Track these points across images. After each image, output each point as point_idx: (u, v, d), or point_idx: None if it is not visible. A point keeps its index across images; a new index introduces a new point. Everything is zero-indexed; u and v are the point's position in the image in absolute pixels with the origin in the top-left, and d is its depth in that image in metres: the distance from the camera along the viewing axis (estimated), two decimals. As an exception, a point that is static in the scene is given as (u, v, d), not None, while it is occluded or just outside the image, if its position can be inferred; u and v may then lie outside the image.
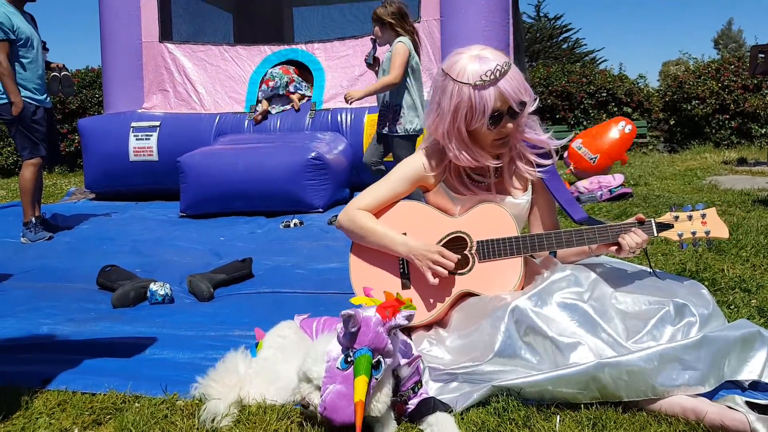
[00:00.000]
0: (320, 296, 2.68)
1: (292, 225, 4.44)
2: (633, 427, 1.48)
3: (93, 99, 11.45)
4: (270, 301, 2.62)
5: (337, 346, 1.50)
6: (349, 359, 1.46)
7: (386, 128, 4.12)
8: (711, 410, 1.49)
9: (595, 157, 5.16)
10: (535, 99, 1.90)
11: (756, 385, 1.65)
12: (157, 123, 5.94)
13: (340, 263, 3.14)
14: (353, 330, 1.47)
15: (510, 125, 1.82)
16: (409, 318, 1.55)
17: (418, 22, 5.41)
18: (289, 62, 6.11)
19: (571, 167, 5.98)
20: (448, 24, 5.19)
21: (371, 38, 4.25)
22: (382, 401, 1.47)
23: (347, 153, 5.42)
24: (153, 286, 2.67)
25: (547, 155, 1.99)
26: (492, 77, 1.75)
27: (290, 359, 1.69)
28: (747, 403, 1.52)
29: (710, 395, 1.59)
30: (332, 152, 5.23)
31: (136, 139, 5.89)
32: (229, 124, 5.89)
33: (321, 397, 1.45)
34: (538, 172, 1.97)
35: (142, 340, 2.15)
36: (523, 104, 1.81)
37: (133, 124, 5.95)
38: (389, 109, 4.10)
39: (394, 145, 4.12)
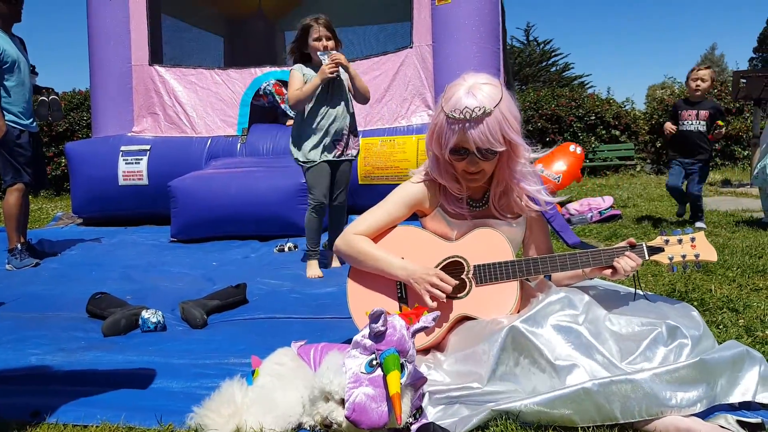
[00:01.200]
0: (317, 321, 2.67)
1: (286, 249, 4.43)
2: (628, 449, 1.49)
3: (81, 122, 11.42)
4: (265, 327, 2.60)
5: (351, 361, 1.50)
6: (374, 362, 1.47)
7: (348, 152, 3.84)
8: (704, 430, 1.51)
9: (559, 177, 5.45)
10: (530, 149, 1.93)
11: (747, 404, 1.67)
12: (147, 147, 5.93)
13: (336, 287, 3.13)
14: (381, 329, 1.49)
15: (475, 163, 1.85)
16: (435, 319, 1.62)
17: (411, 48, 5.49)
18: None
19: None
20: (440, 50, 5.27)
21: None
22: (405, 411, 1.47)
23: (340, 176, 5.43)
24: (145, 314, 2.63)
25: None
26: (461, 116, 1.79)
27: (288, 387, 1.68)
28: (738, 422, 1.54)
29: (703, 415, 1.61)
30: (325, 176, 5.23)
31: (126, 163, 5.86)
32: (220, 148, 5.89)
33: (347, 403, 1.44)
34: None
35: (134, 369, 2.12)
36: (491, 151, 1.83)
37: (123, 147, 5.93)
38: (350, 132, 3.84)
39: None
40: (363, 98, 3.80)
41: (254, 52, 7.01)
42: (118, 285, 3.41)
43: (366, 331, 1.56)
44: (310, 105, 3.64)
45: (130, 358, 2.23)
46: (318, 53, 3.55)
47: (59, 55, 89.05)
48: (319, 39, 3.57)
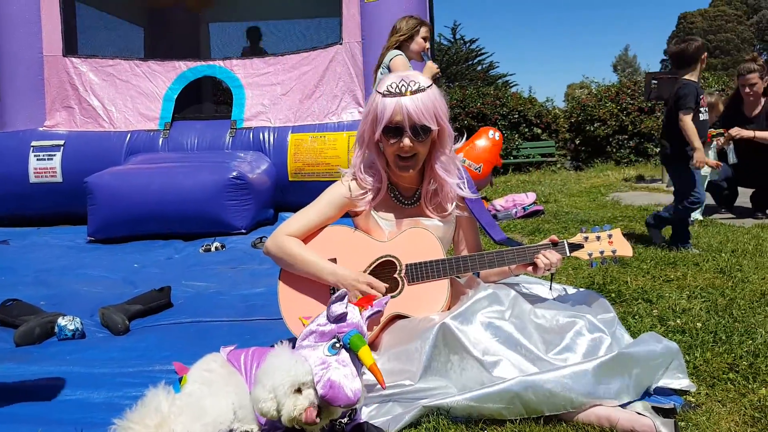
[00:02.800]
0: (246, 324, 2.61)
1: (213, 249, 4.29)
2: (554, 438, 1.56)
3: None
4: (192, 332, 2.51)
5: (309, 351, 1.52)
6: (337, 345, 1.51)
7: None
8: (622, 417, 1.61)
9: (480, 166, 5.62)
10: (455, 135, 2.00)
11: (660, 390, 1.79)
12: (61, 142, 5.59)
13: (266, 288, 3.07)
14: (344, 311, 1.55)
15: (408, 143, 1.88)
16: (387, 303, 1.74)
17: (341, 44, 5.47)
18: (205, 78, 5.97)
19: None
20: (370, 48, 5.28)
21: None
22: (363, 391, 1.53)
23: (271, 173, 5.34)
24: (61, 321, 2.48)
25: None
26: (396, 90, 1.85)
27: (218, 394, 1.64)
28: (653, 407, 1.65)
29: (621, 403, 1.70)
30: (255, 172, 5.13)
31: (37, 159, 5.50)
32: (141, 143, 5.63)
33: (319, 384, 1.45)
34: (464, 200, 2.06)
35: (51, 380, 1.99)
36: (425, 128, 1.88)
37: (34, 143, 5.56)
38: None
39: None
40: None
41: (177, 44, 6.74)
42: (30, 290, 3.20)
43: (322, 319, 1.58)
44: None
45: (46, 368, 2.10)
46: (422, 52, 4.22)
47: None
48: (425, 39, 4.22)
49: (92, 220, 4.80)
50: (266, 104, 5.64)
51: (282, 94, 5.63)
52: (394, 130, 1.88)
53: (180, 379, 1.75)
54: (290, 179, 5.42)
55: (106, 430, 1.57)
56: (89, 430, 1.64)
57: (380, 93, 1.89)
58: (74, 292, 3.18)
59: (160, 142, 5.64)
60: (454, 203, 2.07)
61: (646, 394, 1.78)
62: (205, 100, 6.83)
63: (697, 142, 3.73)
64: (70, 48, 5.88)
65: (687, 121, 3.74)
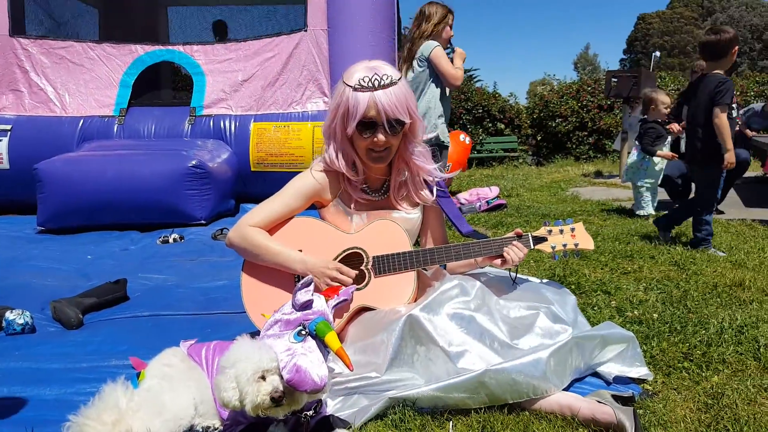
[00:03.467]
0: (207, 317, 2.54)
1: (171, 240, 4.16)
2: (518, 426, 1.59)
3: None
4: (149, 326, 2.43)
5: (274, 340, 1.50)
6: (302, 332, 1.49)
7: None
8: (584, 406, 1.65)
9: (449, 165, 5.79)
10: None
11: (620, 379, 1.86)
12: (8, 127, 5.31)
13: (227, 280, 3.00)
14: (310, 298, 1.55)
15: (382, 138, 1.86)
16: (353, 292, 1.76)
17: (305, 31, 5.36)
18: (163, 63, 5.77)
19: None
20: (335, 37, 5.19)
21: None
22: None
23: (232, 162, 5.21)
24: (9, 315, 2.36)
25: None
26: (369, 84, 1.81)
27: (178, 389, 1.59)
28: (612, 396, 1.69)
29: (582, 392, 1.76)
30: (215, 160, 4.99)
31: (-18, 145, 5.22)
32: (95, 129, 5.40)
33: (284, 370, 1.43)
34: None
35: (-2, 377, 1.89)
36: (399, 122, 1.86)
37: (-23, 127, 5.27)
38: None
39: None
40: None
41: (134, 27, 6.49)
42: (-26, 283, 3.02)
43: (287, 308, 1.57)
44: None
45: (-7, 365, 1.99)
46: (451, 40, 4.19)
47: None
48: (451, 27, 4.18)
49: (42, 209, 4.58)
50: (227, 91, 5.47)
51: (243, 80, 5.48)
52: (368, 124, 1.85)
53: (138, 375, 1.70)
54: (252, 169, 5.30)
55: (60, 428, 1.50)
56: (41, 428, 1.57)
57: (351, 86, 1.83)
58: (23, 284, 3.01)
59: (115, 129, 5.42)
60: (435, 191, 2.06)
61: (605, 383, 1.83)
62: (164, 86, 6.61)
63: (729, 143, 3.52)
64: (18, 27, 5.58)
65: (723, 118, 3.49)
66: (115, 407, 1.52)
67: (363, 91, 1.81)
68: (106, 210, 4.56)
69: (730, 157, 3.54)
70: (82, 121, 5.42)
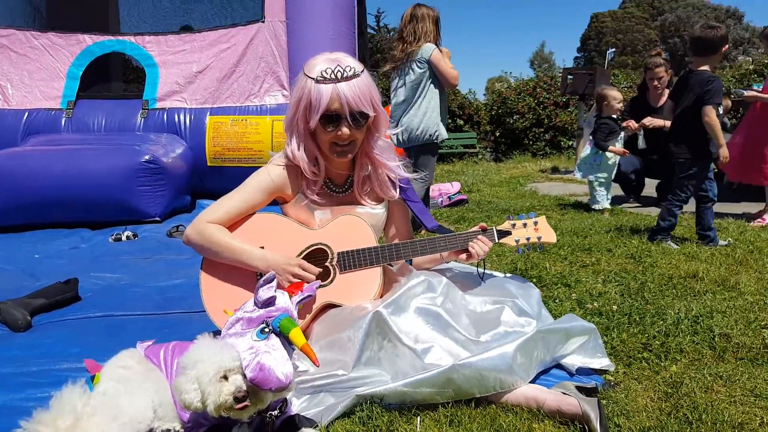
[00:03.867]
0: (164, 317, 2.45)
1: (123, 238, 4.01)
2: (485, 420, 1.60)
3: None
4: (103, 327, 2.32)
5: (236, 339, 1.46)
6: (266, 330, 1.45)
7: None
8: (549, 398, 1.66)
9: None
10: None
11: (583, 371, 1.89)
12: (-56, 119, 5.01)
13: (184, 279, 2.91)
14: (273, 295, 1.50)
15: (346, 131, 1.83)
16: (318, 287, 1.72)
17: (263, 22, 5.24)
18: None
19: None
20: (294, 28, 5.10)
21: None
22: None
23: (187, 156, 5.06)
24: (-50, 317, 2.22)
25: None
26: (331, 76, 1.77)
27: (136, 391, 1.52)
28: (576, 387, 1.71)
29: (546, 384, 1.78)
30: (169, 155, 4.84)
31: None
32: (41, 123, 5.15)
33: (248, 369, 1.38)
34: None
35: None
36: (363, 115, 1.84)
37: None
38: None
39: None
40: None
41: (81, 15, 6.21)
42: None
43: (249, 306, 1.52)
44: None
45: (-68, 370, 1.86)
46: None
47: None
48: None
49: (-15, 206, 4.35)
50: (181, 83, 5.30)
51: (198, 72, 5.32)
52: (331, 117, 1.81)
53: (92, 378, 1.62)
54: (209, 164, 5.16)
55: (8, 437, 1.42)
56: (-14, 437, 1.47)
57: (312, 78, 1.78)
58: (-36, 285, 2.85)
59: (63, 123, 5.19)
60: (398, 187, 2.03)
61: (568, 374, 1.86)
62: (114, 78, 6.35)
63: (722, 139, 3.55)
64: (-45, 14, 5.28)
65: (713, 116, 3.50)
66: (72, 411, 1.44)
67: (326, 83, 1.77)
68: (54, 207, 4.37)
69: (724, 152, 3.62)
70: (27, 113, 5.17)
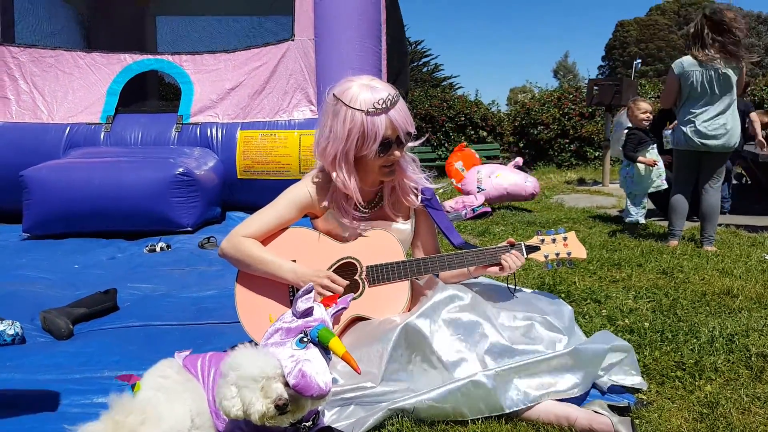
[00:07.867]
0: (198, 327, 2.51)
1: (158, 249, 4.11)
2: (516, 436, 1.59)
3: None
4: (141, 337, 2.40)
5: (277, 348, 1.50)
6: (304, 339, 1.49)
7: None
8: (580, 416, 1.65)
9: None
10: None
11: (615, 389, 1.87)
12: (-7, 133, 5.24)
13: (217, 290, 2.97)
14: (311, 305, 1.55)
15: (398, 153, 1.89)
16: (351, 300, 1.74)
17: (293, 40, 5.38)
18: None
19: (457, 184, 6.52)
20: (322, 46, 5.22)
21: None
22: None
23: (218, 169, 5.19)
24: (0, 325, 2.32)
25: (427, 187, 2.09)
26: (384, 105, 1.81)
27: (175, 400, 1.57)
28: (609, 406, 1.70)
29: (578, 401, 1.76)
30: (201, 168, 4.97)
31: (-34, 152, 5.13)
32: (82, 136, 5.35)
33: (290, 375, 1.43)
34: (420, 201, 2.06)
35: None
36: (409, 134, 1.89)
37: (-40, 134, 5.19)
38: None
39: None
40: None
41: (121, 35, 6.46)
42: (-40, 294, 2.96)
43: (287, 317, 1.57)
44: None
45: (-16, 376, 1.95)
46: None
47: None
48: None
49: (28, 215, 4.54)
50: (214, 99, 5.47)
51: (230, 89, 5.48)
52: (386, 144, 1.85)
53: (133, 386, 1.68)
54: (239, 177, 5.28)
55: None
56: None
57: (362, 111, 1.80)
58: (11, 294, 2.95)
59: (102, 137, 5.38)
60: (419, 197, 2.05)
61: (601, 394, 1.84)
62: (151, 95, 6.58)
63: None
64: (7, 36, 5.54)
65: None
66: (124, 422, 1.50)
67: (378, 115, 1.80)
68: (92, 217, 4.53)
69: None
70: (68, 128, 5.38)
